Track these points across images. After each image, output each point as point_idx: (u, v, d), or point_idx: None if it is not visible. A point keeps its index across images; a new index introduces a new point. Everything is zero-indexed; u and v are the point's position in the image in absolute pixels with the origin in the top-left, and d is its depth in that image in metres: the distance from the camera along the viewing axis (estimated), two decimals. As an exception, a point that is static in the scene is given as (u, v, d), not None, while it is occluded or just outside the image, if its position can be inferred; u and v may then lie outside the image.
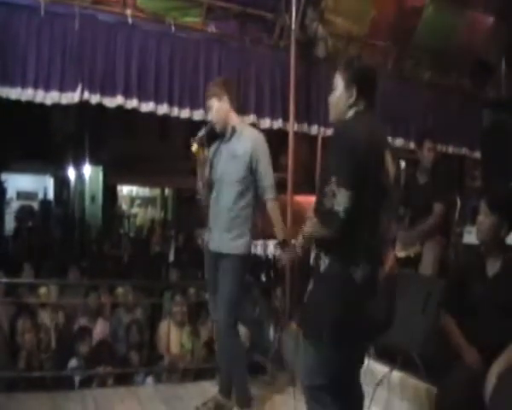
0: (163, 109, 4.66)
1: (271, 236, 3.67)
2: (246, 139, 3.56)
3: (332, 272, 2.39)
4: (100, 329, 6.43)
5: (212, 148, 3.71)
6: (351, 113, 2.54)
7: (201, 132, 3.59)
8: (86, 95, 4.36)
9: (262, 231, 5.09)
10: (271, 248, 3.71)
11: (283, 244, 3.52)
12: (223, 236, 3.56)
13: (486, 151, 6.11)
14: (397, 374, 3.57)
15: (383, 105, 5.41)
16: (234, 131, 3.60)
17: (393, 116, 5.48)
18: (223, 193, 3.58)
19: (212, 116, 3.60)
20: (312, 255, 2.50)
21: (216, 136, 3.66)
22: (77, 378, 5.46)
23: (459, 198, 5.06)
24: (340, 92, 2.56)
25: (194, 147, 3.54)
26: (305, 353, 2.56)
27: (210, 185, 3.66)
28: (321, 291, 2.44)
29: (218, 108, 3.56)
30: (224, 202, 3.56)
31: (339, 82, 2.57)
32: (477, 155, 6.25)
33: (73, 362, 5.74)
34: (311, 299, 2.49)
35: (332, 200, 2.27)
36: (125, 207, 19.91)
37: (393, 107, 5.46)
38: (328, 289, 2.40)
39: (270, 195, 3.54)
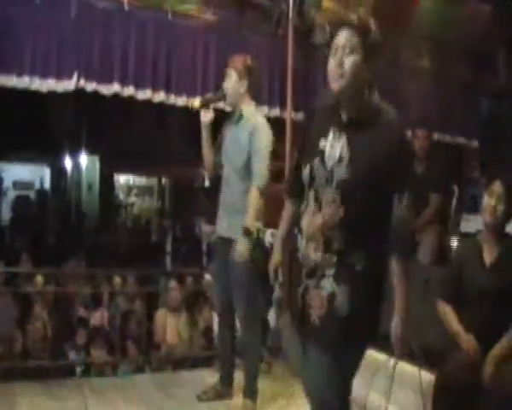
0: (160, 97, 4.63)
1: (270, 224, 3.64)
2: (249, 126, 3.54)
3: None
4: (98, 318, 6.45)
5: (224, 126, 3.70)
6: (376, 96, 2.15)
7: (210, 95, 3.58)
8: (82, 82, 4.32)
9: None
10: (268, 236, 3.66)
11: (247, 233, 3.43)
12: (231, 221, 3.56)
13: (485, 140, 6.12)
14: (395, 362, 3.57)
15: (381, 93, 5.43)
16: (241, 116, 3.58)
17: (391, 104, 5.45)
18: (230, 178, 3.59)
19: (228, 87, 3.56)
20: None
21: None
22: (78, 369, 5.48)
23: (457, 187, 5.06)
24: (361, 60, 2.02)
25: (196, 103, 3.51)
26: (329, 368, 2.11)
27: (215, 163, 3.68)
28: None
29: (234, 85, 3.54)
30: (232, 188, 3.58)
31: (358, 46, 2.01)
32: (475, 144, 6.24)
33: (72, 354, 5.77)
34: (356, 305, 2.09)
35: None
36: (122, 196, 19.87)
37: (391, 95, 5.42)
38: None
39: (254, 182, 3.48)
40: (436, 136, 5.44)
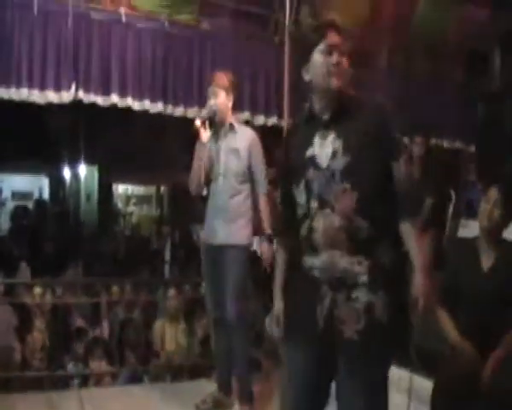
0: (158, 107, 4.66)
1: (258, 231, 3.71)
2: (243, 137, 3.69)
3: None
4: (97, 327, 6.44)
5: (211, 139, 3.74)
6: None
7: (205, 113, 3.69)
8: (80, 94, 4.35)
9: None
10: (255, 243, 3.77)
11: (269, 239, 3.56)
12: (227, 227, 3.62)
13: (482, 144, 6.12)
14: (392, 368, 3.56)
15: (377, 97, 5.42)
16: (231, 128, 3.71)
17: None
18: (225, 186, 3.67)
19: (216, 105, 3.65)
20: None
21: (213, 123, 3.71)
22: (76, 380, 5.47)
23: (454, 191, 5.06)
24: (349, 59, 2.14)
25: (198, 122, 3.62)
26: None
27: (208, 176, 3.73)
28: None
29: (224, 102, 3.66)
30: (227, 195, 3.65)
31: (346, 46, 2.14)
32: (472, 148, 6.25)
33: (71, 365, 5.76)
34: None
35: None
36: (120, 205, 19.85)
37: (387, 99, 5.44)
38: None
39: (262, 190, 3.67)
40: (433, 140, 5.45)
